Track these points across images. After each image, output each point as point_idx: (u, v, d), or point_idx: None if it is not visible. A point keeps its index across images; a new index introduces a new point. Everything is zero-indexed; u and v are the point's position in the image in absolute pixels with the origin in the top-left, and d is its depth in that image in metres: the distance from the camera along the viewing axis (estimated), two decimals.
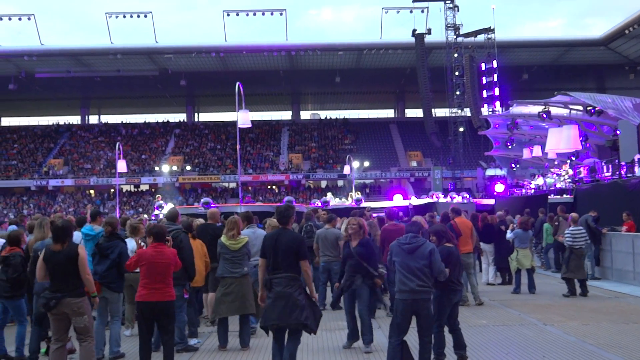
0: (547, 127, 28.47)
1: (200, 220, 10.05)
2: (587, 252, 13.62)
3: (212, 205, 16.60)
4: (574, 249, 12.57)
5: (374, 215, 14.26)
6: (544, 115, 25.91)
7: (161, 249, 6.71)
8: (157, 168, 57.41)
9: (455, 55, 50.51)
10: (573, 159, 27.93)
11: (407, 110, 70.61)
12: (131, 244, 8.39)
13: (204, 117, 73.00)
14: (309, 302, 6.60)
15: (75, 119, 70.54)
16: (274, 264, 6.63)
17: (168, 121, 68.66)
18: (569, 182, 25.92)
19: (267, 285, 6.64)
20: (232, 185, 57.81)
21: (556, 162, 31.36)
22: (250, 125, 18.80)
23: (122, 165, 30.51)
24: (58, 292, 6.34)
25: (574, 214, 13.47)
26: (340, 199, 30.72)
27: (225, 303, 8.07)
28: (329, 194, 31.23)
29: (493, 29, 49.42)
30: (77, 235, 9.01)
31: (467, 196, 30.01)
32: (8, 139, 64.64)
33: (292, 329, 6.56)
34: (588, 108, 23.39)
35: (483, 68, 49.61)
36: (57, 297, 6.33)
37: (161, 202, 21.29)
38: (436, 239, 7.31)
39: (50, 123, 68.76)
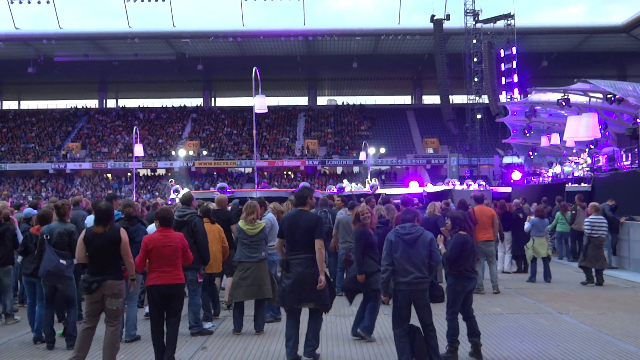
0: (565, 114, 28.19)
1: (214, 206, 10.07)
2: (606, 242, 13.47)
3: (228, 190, 16.65)
4: (592, 238, 12.44)
5: None
6: (563, 103, 25.68)
7: (167, 233, 6.71)
8: (173, 152, 57.68)
9: (474, 41, 49.93)
10: (592, 147, 27.62)
11: (424, 97, 70.14)
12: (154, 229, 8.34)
13: (221, 102, 73.09)
14: (327, 282, 6.66)
15: (93, 103, 70.94)
16: (292, 245, 6.64)
17: (185, 106, 68.81)
18: (587, 171, 25.70)
19: (285, 266, 6.64)
20: (248, 170, 57.96)
21: (574, 151, 31.04)
22: (266, 111, 18.83)
23: (139, 150, 30.82)
24: (99, 275, 6.34)
25: (594, 203, 13.32)
26: (357, 184, 30.76)
27: (242, 287, 8.05)
28: (345, 181, 31.30)
29: (513, 15, 48.92)
30: (90, 219, 9.05)
31: (484, 184, 29.91)
32: (27, 122, 65.19)
33: (312, 309, 6.59)
34: (608, 96, 23.13)
35: (502, 55, 49.08)
36: (99, 280, 6.33)
37: (177, 186, 21.41)
38: (451, 223, 7.25)
39: (69, 107, 69.22)
